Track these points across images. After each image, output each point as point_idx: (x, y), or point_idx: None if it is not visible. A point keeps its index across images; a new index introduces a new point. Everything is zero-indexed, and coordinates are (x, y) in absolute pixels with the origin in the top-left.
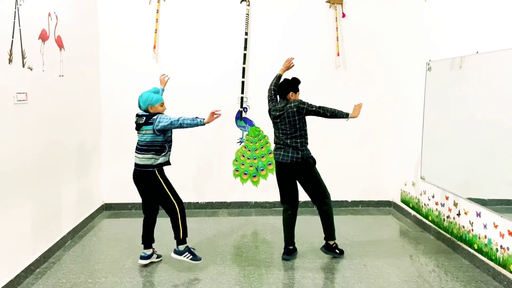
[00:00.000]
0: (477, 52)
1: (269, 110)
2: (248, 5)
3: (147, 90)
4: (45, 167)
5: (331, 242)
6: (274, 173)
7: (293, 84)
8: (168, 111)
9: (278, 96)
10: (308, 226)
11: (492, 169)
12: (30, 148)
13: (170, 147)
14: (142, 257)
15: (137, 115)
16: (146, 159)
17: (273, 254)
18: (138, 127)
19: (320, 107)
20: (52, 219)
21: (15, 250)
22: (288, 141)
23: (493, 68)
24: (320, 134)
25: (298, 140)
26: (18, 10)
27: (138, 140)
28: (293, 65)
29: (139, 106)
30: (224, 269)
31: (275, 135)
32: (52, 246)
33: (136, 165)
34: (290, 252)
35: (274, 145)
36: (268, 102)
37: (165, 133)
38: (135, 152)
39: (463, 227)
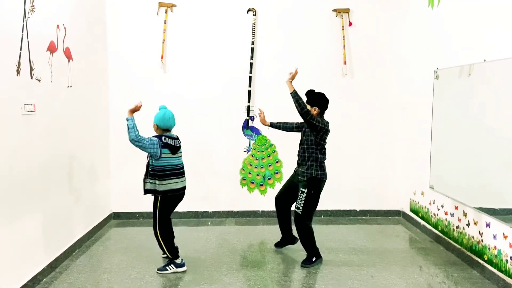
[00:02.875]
0: (485, 60)
1: (326, 128)
2: (255, 15)
3: (162, 109)
4: (53, 177)
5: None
6: (317, 190)
7: None
8: (176, 121)
9: (324, 111)
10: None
11: (501, 178)
12: (38, 158)
13: None
14: (182, 265)
15: (173, 138)
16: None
17: (280, 264)
18: (176, 150)
19: None
20: (60, 228)
21: (23, 259)
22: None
23: (502, 76)
24: (328, 143)
25: None
26: (26, 22)
27: (175, 164)
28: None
29: (172, 126)
30: (229, 279)
31: (324, 152)
32: (60, 255)
33: (182, 188)
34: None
35: (323, 161)
36: (314, 121)
37: None
38: (178, 177)
39: (473, 237)
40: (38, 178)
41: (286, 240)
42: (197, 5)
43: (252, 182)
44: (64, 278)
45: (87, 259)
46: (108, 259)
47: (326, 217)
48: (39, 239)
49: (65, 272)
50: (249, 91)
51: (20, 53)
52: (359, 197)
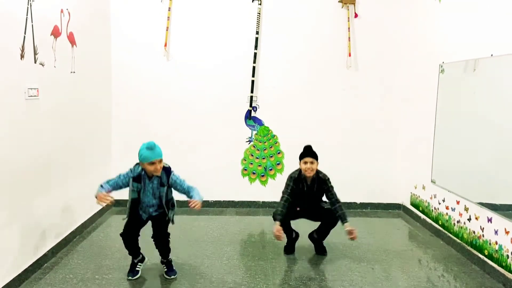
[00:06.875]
0: (492, 55)
1: None
2: (260, 4)
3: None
4: (54, 162)
5: None
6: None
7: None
8: (178, 111)
9: None
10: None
11: (504, 174)
12: (40, 143)
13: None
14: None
15: None
16: None
17: (280, 254)
18: None
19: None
20: (61, 214)
21: (23, 245)
22: None
23: (508, 72)
24: (330, 135)
25: None
26: (30, 6)
27: None
28: None
29: None
30: (230, 269)
31: None
32: (60, 241)
33: None
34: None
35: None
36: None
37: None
38: None
39: (474, 232)
40: (39, 163)
41: (295, 238)
42: None
43: (254, 173)
44: (65, 264)
45: (88, 245)
46: (109, 246)
47: None
48: (40, 224)
49: (66, 257)
50: (253, 81)
51: (24, 37)
52: (359, 190)
